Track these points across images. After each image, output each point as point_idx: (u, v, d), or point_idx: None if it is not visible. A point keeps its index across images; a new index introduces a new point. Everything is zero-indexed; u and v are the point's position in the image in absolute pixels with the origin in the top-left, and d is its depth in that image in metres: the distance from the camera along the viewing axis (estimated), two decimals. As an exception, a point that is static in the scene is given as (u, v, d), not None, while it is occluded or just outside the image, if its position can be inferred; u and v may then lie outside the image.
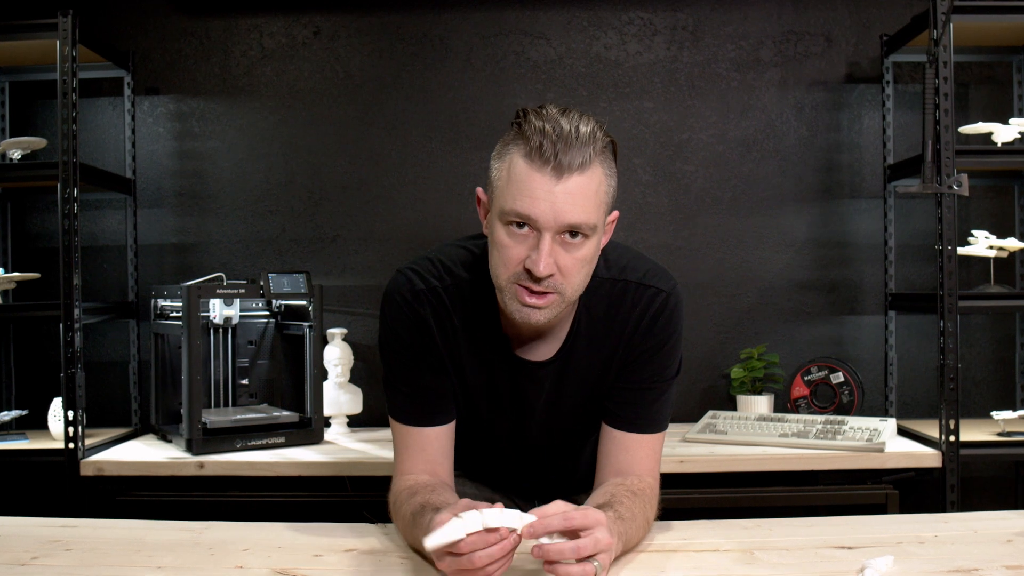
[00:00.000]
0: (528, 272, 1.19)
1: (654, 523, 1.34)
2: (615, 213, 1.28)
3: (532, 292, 1.20)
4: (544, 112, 1.18)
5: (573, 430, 1.46)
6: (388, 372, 1.38)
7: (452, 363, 1.36)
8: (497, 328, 1.34)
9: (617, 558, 1.18)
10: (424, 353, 1.34)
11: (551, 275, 1.19)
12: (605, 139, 1.20)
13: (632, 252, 1.39)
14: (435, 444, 1.36)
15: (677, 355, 1.38)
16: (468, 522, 1.04)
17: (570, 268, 1.20)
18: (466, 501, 1.10)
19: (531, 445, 1.46)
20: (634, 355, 1.35)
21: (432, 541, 1.04)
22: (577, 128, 1.16)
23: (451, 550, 1.05)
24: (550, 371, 1.36)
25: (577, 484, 1.56)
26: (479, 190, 1.30)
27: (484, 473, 1.55)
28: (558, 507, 1.09)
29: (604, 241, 1.28)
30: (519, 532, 1.06)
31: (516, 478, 1.55)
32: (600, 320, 1.34)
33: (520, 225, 1.19)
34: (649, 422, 1.36)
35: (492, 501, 1.53)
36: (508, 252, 1.20)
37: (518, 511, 1.07)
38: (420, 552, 1.22)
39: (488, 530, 1.04)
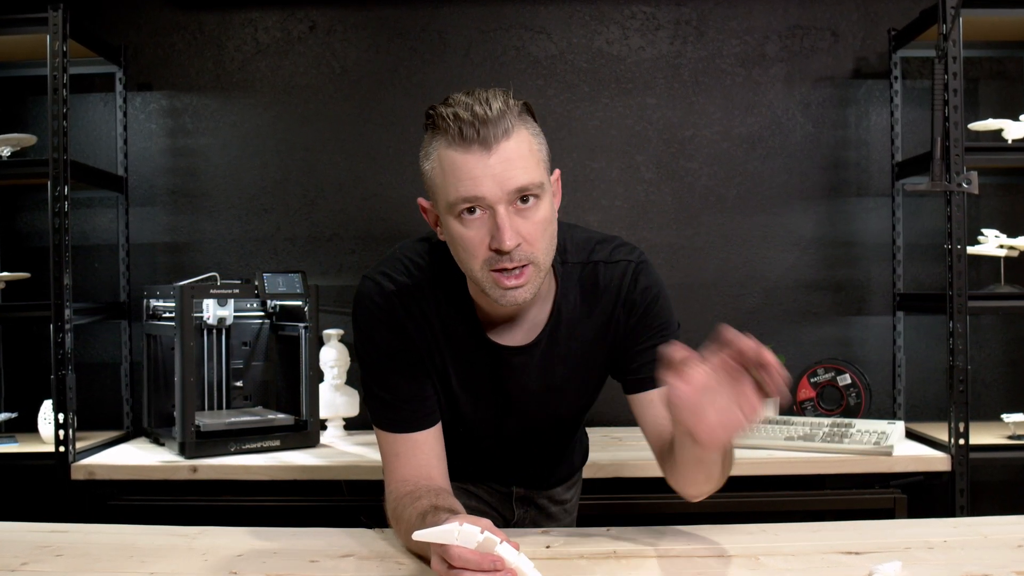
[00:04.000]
0: (496, 252, 1.18)
1: (658, 528, 1.36)
2: (557, 171, 1.29)
3: (508, 273, 1.20)
4: (451, 100, 1.20)
5: (563, 415, 1.46)
6: (368, 380, 1.36)
7: (430, 359, 1.35)
8: (471, 316, 1.33)
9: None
10: (402, 355, 1.33)
11: (518, 245, 1.18)
12: (518, 104, 1.21)
13: (596, 234, 1.40)
14: (425, 448, 1.35)
15: (670, 310, 1.38)
16: (463, 534, 1.02)
17: (533, 233, 1.20)
18: (487, 522, 1.07)
19: (514, 436, 1.45)
20: (630, 326, 1.35)
21: (420, 534, 1.04)
22: (488, 102, 1.17)
23: (444, 555, 1.04)
24: (531, 357, 1.35)
25: (561, 474, 1.59)
26: (420, 200, 1.30)
27: (468, 466, 1.54)
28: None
29: (557, 203, 1.28)
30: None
31: (501, 470, 1.55)
32: (579, 305, 1.35)
33: (471, 211, 1.19)
34: None
35: (468, 506, 1.51)
36: (470, 241, 1.20)
37: (512, 549, 1.04)
38: (422, 556, 1.21)
39: (491, 557, 1.02)
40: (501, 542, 1.02)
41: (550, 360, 1.36)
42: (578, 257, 1.34)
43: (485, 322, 1.33)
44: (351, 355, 2.50)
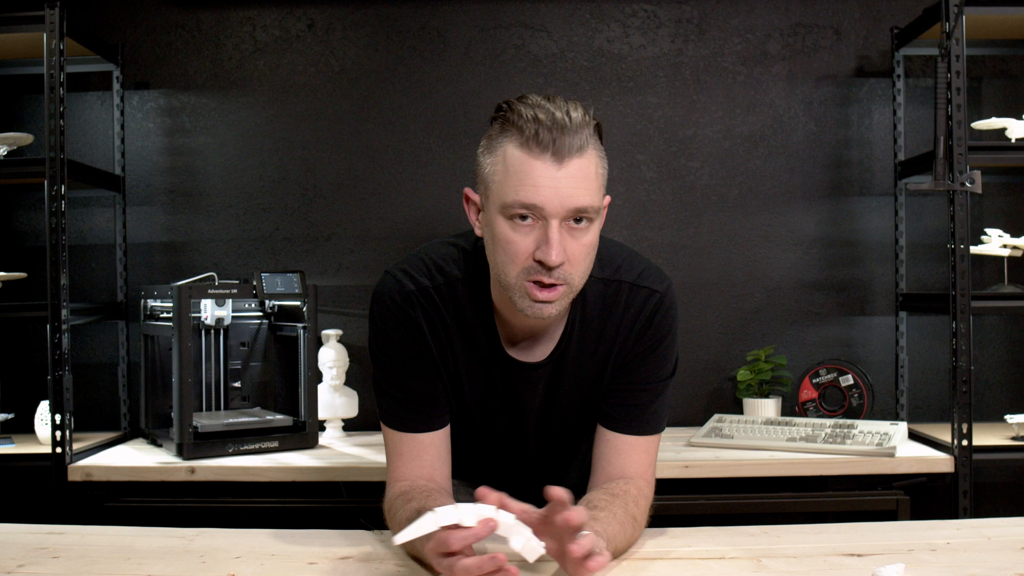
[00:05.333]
0: (539, 264, 1.17)
1: (658, 529, 1.33)
2: (608, 197, 1.27)
3: (543, 287, 1.18)
4: (530, 101, 1.18)
5: (569, 431, 1.44)
6: (379, 377, 1.35)
7: (444, 365, 1.34)
8: (491, 328, 1.32)
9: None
10: (416, 356, 1.32)
11: (562, 263, 1.17)
12: (593, 122, 1.20)
13: (626, 251, 1.38)
14: (430, 450, 1.34)
15: (672, 356, 1.37)
16: (442, 516, 1.01)
17: (578, 255, 1.19)
18: (452, 503, 1.08)
19: (526, 447, 1.44)
20: (629, 356, 1.34)
21: (402, 536, 1.03)
22: (568, 113, 1.16)
23: (440, 547, 1.03)
24: (544, 372, 1.34)
25: (574, 485, 1.55)
26: (467, 190, 1.29)
27: (480, 476, 1.52)
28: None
29: (600, 226, 1.27)
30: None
31: (513, 480, 1.52)
32: (594, 321, 1.33)
33: (524, 217, 1.17)
34: (644, 424, 1.35)
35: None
36: (515, 247, 1.18)
37: (491, 507, 1.05)
38: (416, 559, 1.21)
39: (483, 523, 1.02)
40: (476, 503, 1.03)
41: (559, 374, 1.35)
42: (602, 273, 1.32)
43: (504, 336, 1.32)
44: (350, 355, 2.48)
